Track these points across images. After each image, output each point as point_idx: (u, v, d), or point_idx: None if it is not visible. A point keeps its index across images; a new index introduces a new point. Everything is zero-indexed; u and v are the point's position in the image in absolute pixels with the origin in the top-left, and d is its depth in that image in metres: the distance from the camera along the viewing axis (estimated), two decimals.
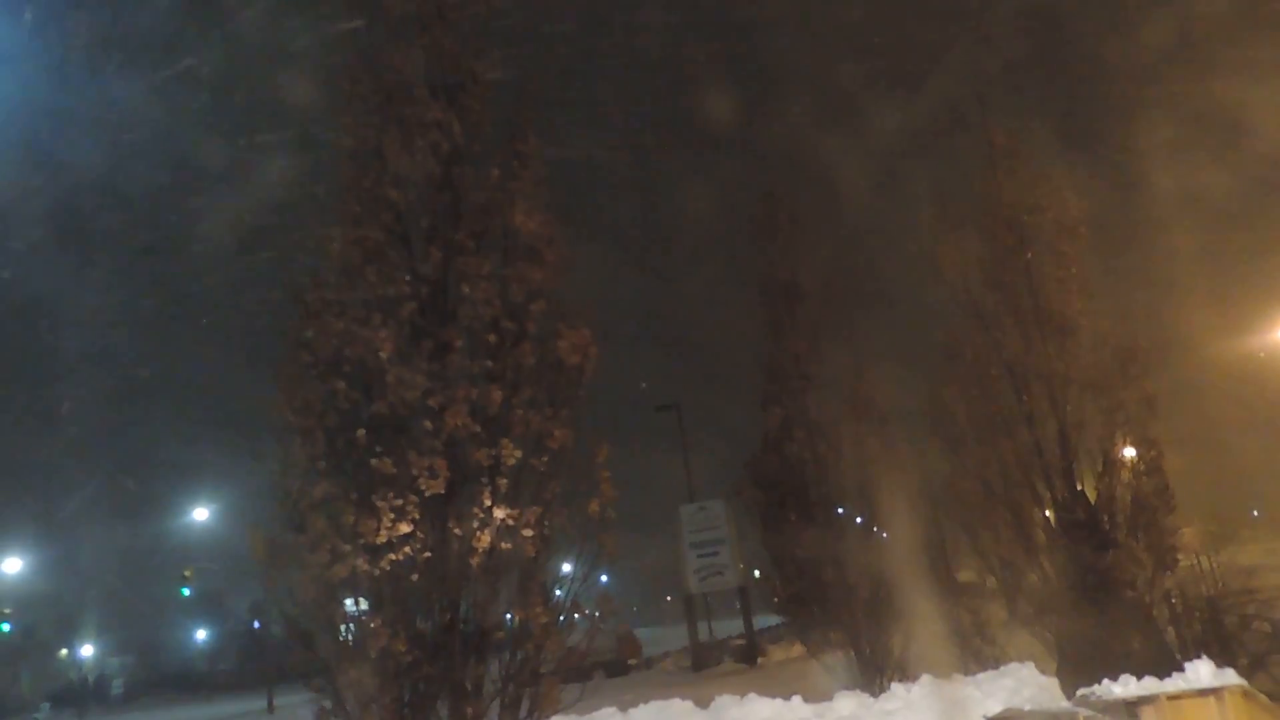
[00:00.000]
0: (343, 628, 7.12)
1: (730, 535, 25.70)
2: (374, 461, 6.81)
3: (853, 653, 11.20)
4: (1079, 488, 10.54)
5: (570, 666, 7.66)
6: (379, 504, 6.73)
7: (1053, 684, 6.92)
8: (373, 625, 6.85)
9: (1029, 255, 10.70)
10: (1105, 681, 6.06)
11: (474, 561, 6.93)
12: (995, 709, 6.39)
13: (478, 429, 7.01)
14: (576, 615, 7.69)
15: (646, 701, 6.86)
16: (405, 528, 6.74)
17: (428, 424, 6.95)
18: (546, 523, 7.24)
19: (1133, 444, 10.30)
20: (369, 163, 7.70)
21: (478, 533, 6.98)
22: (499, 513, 7.01)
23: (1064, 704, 6.29)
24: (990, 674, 7.24)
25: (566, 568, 8.03)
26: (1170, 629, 10.44)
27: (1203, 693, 5.54)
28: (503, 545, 7.03)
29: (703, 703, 8.20)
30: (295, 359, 7.27)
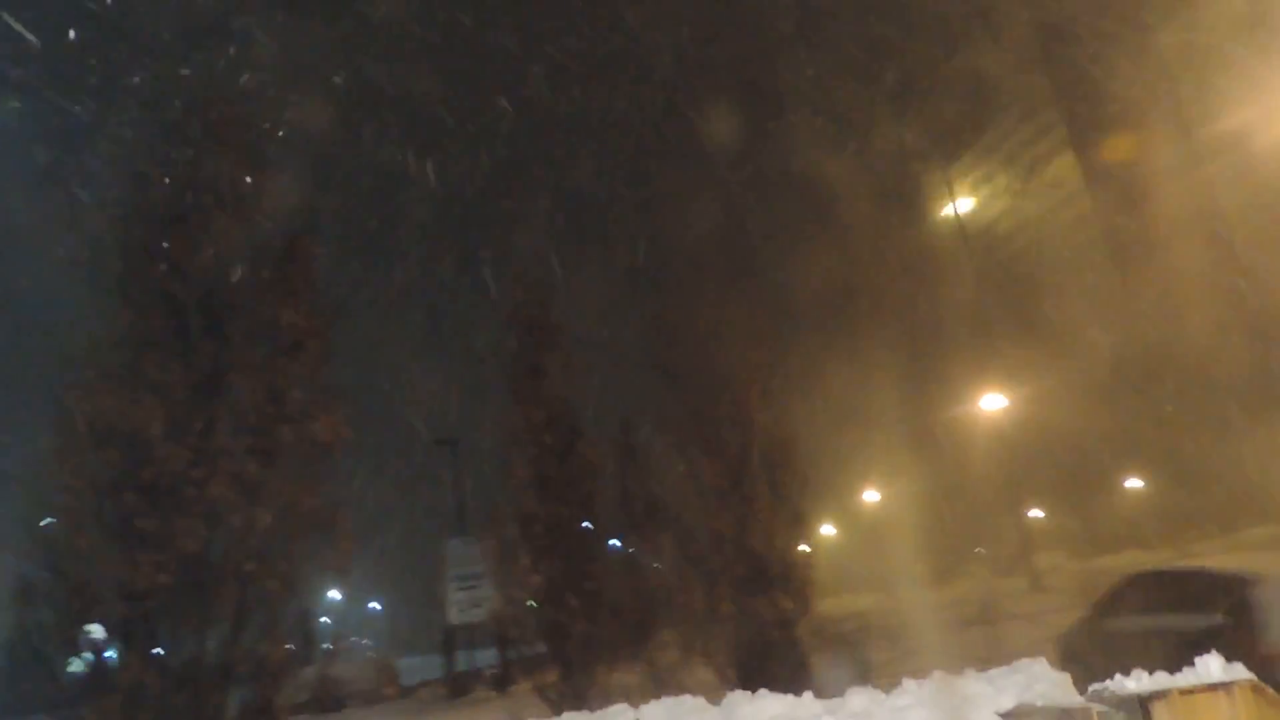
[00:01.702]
0: (93, 660, 8.18)
1: (491, 569, 27.17)
2: (138, 521, 8.00)
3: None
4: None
5: (322, 696, 9.05)
6: (141, 558, 7.93)
7: (1065, 680, 6.82)
8: (124, 659, 8.00)
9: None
10: (1118, 676, 6.25)
11: (221, 607, 8.26)
12: (1008, 705, 6.39)
13: (236, 496, 8.36)
14: (325, 647, 9.18)
15: (658, 698, 7.43)
16: (164, 579, 7.97)
17: (191, 491, 8.21)
18: (290, 574, 8.68)
19: (791, 515, 13.21)
20: (156, 258, 8.87)
21: (228, 581, 8.32)
22: (248, 566, 8.38)
23: (1077, 700, 6.34)
24: (1002, 670, 7.07)
25: (335, 594, 9.49)
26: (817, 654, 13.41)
27: (1213, 687, 5.68)
28: (249, 593, 8.40)
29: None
30: (70, 426, 8.29)
